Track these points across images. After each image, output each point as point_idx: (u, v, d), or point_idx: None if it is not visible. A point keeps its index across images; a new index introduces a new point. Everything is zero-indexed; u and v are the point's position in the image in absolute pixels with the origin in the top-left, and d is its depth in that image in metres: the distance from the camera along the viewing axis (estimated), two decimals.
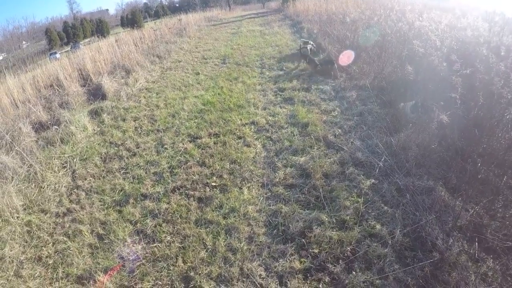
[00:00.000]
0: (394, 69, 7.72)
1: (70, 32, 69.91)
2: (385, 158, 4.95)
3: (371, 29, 9.76)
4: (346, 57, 9.45)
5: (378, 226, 3.87)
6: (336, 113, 6.82)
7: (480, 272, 3.16)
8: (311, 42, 11.59)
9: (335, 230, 3.91)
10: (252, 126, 6.69)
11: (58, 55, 36.96)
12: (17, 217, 4.82)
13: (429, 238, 3.58)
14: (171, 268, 3.72)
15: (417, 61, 6.48)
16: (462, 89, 4.74)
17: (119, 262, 3.91)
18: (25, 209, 5.03)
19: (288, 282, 3.38)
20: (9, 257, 4.10)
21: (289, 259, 3.63)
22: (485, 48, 5.39)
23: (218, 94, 8.81)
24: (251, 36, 17.88)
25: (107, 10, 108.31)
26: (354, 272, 3.36)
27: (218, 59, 13.25)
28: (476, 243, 3.43)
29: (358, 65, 9.19)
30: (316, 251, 3.68)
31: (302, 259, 3.62)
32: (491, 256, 3.34)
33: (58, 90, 10.02)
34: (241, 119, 7.01)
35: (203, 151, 6.03)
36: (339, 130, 6.10)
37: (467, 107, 4.78)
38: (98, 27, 72.39)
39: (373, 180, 4.61)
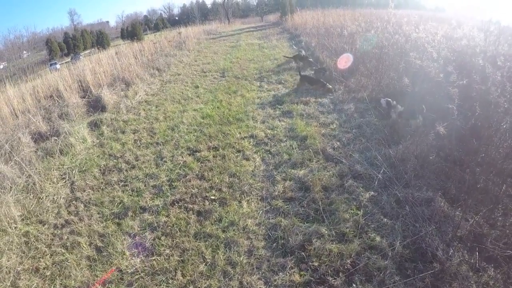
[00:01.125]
0: (391, 81, 7.80)
1: (71, 43, 70.34)
2: (384, 170, 4.97)
3: (368, 42, 9.86)
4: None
5: (378, 238, 3.87)
6: (335, 126, 6.86)
7: (481, 282, 3.17)
8: (303, 51, 12.09)
9: (334, 243, 3.91)
10: (251, 140, 6.71)
11: (58, 66, 37.25)
12: (15, 228, 4.80)
13: (429, 249, 3.59)
14: (170, 281, 3.71)
15: (414, 73, 6.56)
16: (459, 99, 4.80)
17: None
18: (23, 219, 5.01)
19: None
20: (6, 268, 4.07)
21: (288, 272, 3.62)
22: (481, 58, 5.48)
23: (217, 107, 8.84)
24: (250, 50, 17.99)
25: (108, 22, 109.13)
26: (354, 285, 3.36)
27: (217, 73, 13.31)
28: (477, 253, 3.43)
29: (356, 77, 9.25)
30: (316, 264, 3.67)
31: (302, 272, 3.61)
32: (492, 265, 3.34)
33: (58, 101, 10.04)
34: (240, 133, 7.03)
35: (202, 164, 6.04)
36: (338, 143, 6.13)
37: (465, 117, 4.83)
38: (99, 38, 72.85)
39: (372, 192, 4.63)
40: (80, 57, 43.54)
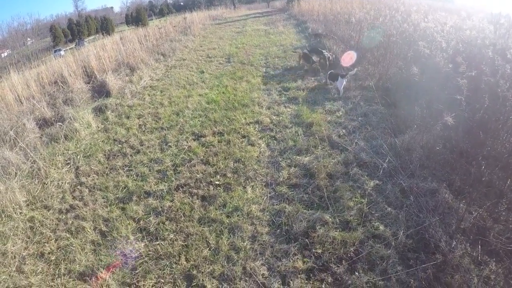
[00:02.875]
0: (399, 70, 7.69)
1: (75, 29, 70.03)
2: (389, 159, 4.93)
3: (376, 30, 9.72)
4: (348, 58, 9.40)
5: (381, 227, 3.86)
6: (341, 113, 6.81)
7: (483, 275, 3.15)
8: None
9: (338, 230, 3.91)
10: (257, 125, 6.68)
11: (62, 52, 37.16)
12: (20, 213, 4.83)
13: (432, 240, 3.58)
14: (174, 266, 3.72)
15: (422, 62, 6.45)
16: (468, 91, 4.72)
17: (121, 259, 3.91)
18: (28, 205, 5.04)
19: (291, 281, 3.37)
20: (12, 253, 4.10)
21: (292, 258, 3.63)
22: (491, 51, 5.37)
23: (223, 93, 8.81)
24: (255, 35, 17.85)
25: (112, 8, 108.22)
26: (357, 273, 3.36)
27: (222, 58, 13.24)
28: (479, 246, 3.41)
29: (363, 65, 9.16)
30: (319, 251, 3.68)
31: (305, 259, 3.62)
32: (494, 259, 3.33)
33: (62, 87, 10.04)
34: (245, 118, 7.00)
35: (207, 149, 6.03)
36: (344, 131, 6.09)
37: (472, 109, 4.75)
38: (103, 24, 72.48)
39: (377, 181, 4.61)
40: (85, 43, 43.50)
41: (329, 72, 8.47)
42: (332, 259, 3.57)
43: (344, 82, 7.81)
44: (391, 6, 11.77)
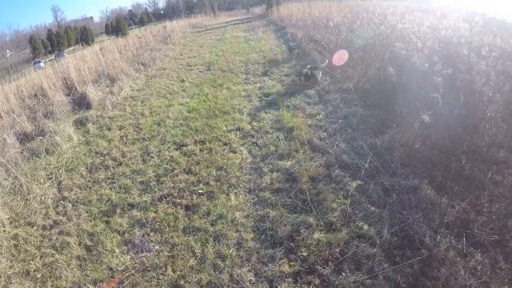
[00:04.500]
0: (377, 72, 7.83)
1: (54, 40, 69.36)
2: (371, 159, 5.01)
3: (355, 33, 9.84)
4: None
5: (365, 227, 3.92)
6: (321, 117, 6.90)
7: (469, 267, 3.22)
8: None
9: (323, 232, 3.95)
10: (238, 132, 6.72)
11: (42, 64, 36.68)
12: (3, 231, 4.76)
13: (416, 236, 3.64)
14: (161, 277, 3.71)
15: (399, 62, 6.58)
16: (444, 89, 4.84)
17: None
18: (11, 222, 4.97)
19: (278, 286, 3.41)
20: None
21: (278, 263, 3.65)
22: (466, 48, 5.51)
23: (203, 101, 8.82)
24: (235, 42, 17.93)
25: (92, 17, 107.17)
26: (343, 273, 3.40)
27: (203, 66, 13.27)
28: (464, 239, 3.50)
29: (342, 68, 9.29)
30: (305, 254, 3.71)
31: (291, 263, 3.65)
32: (479, 250, 3.41)
33: (42, 100, 9.94)
34: (226, 126, 7.04)
35: (189, 158, 6.03)
36: (324, 133, 6.17)
37: (450, 106, 4.87)
38: (83, 35, 71.92)
39: (359, 182, 4.65)
40: (64, 54, 42.96)
41: (304, 70, 8.89)
42: (318, 261, 3.61)
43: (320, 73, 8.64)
44: (368, 9, 11.93)
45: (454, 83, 4.96)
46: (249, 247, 3.93)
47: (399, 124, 5.64)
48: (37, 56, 60.10)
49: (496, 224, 3.67)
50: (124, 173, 5.87)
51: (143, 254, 4.04)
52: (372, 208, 4.20)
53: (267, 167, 5.41)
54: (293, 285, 3.42)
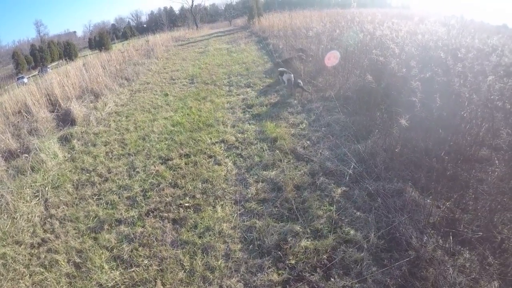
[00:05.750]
0: (357, 79, 8.01)
1: (38, 56, 68.69)
2: (354, 165, 5.15)
3: (335, 42, 10.02)
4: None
5: (352, 232, 4.03)
6: (304, 126, 7.03)
7: (458, 265, 3.34)
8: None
9: (310, 239, 4.05)
10: (222, 144, 6.79)
11: (25, 80, 36.48)
12: None
13: (403, 238, 3.76)
14: None
15: (378, 69, 6.74)
16: (422, 92, 4.97)
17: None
18: None
19: None
20: None
21: (267, 272, 3.72)
22: (443, 52, 5.67)
23: (187, 114, 8.88)
24: (218, 55, 18.00)
25: (75, 32, 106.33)
26: (332, 279, 3.49)
27: (186, 79, 13.32)
28: (451, 237, 3.61)
29: (324, 77, 9.45)
30: (293, 262, 3.80)
31: (279, 271, 3.72)
32: (467, 247, 3.54)
33: (26, 117, 9.87)
34: (211, 138, 7.11)
35: (174, 172, 6.09)
36: (308, 142, 6.30)
37: (429, 108, 5.02)
38: (66, 50, 71.43)
39: (344, 188, 4.79)
40: (48, 69, 42.63)
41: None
42: (307, 268, 3.69)
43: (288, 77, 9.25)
44: (347, 18, 12.14)
45: (432, 86, 5.12)
46: (237, 257, 4.00)
47: (380, 129, 5.79)
48: (20, 72, 59.43)
49: (482, 221, 3.80)
50: (111, 189, 5.89)
51: (132, 269, 4.07)
52: (358, 213, 4.32)
53: (252, 178, 5.49)
54: None
